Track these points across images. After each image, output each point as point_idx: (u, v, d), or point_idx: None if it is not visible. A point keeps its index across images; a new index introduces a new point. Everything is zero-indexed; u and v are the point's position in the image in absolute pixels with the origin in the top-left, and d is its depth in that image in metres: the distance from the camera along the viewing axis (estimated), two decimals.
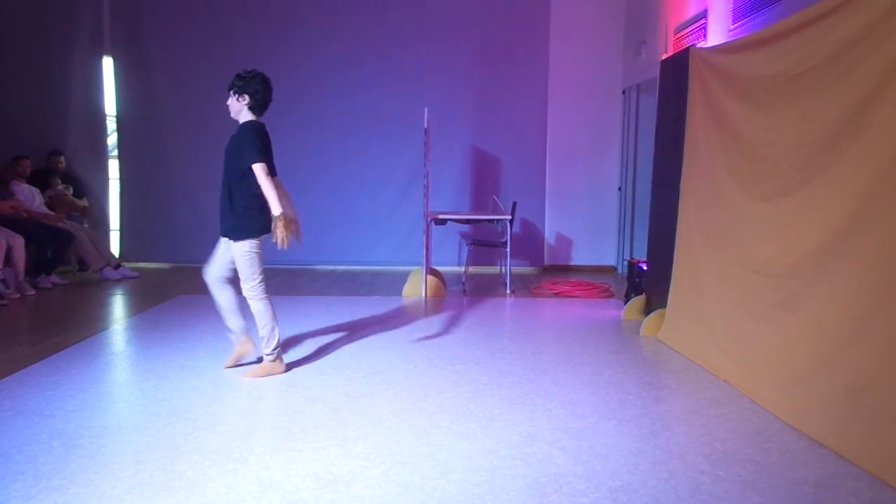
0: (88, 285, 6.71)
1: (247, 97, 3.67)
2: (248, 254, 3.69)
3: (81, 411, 3.19)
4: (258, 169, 3.56)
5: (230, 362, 3.91)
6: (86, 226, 7.34)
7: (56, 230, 6.60)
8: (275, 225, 3.59)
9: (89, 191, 7.86)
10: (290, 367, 3.95)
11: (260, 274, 3.74)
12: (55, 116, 7.78)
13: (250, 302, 3.76)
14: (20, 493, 2.37)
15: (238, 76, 3.70)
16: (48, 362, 3.98)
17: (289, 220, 3.66)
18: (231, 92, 3.70)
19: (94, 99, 7.91)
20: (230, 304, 3.84)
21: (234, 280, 3.84)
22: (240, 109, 3.71)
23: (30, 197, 6.83)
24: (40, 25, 7.72)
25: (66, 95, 7.81)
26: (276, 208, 3.57)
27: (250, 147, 3.59)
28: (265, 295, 3.77)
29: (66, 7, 7.74)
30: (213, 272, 3.83)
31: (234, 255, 3.71)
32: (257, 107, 3.70)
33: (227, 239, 3.76)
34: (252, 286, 3.73)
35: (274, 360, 3.82)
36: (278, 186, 3.97)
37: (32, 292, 6.11)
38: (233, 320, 3.87)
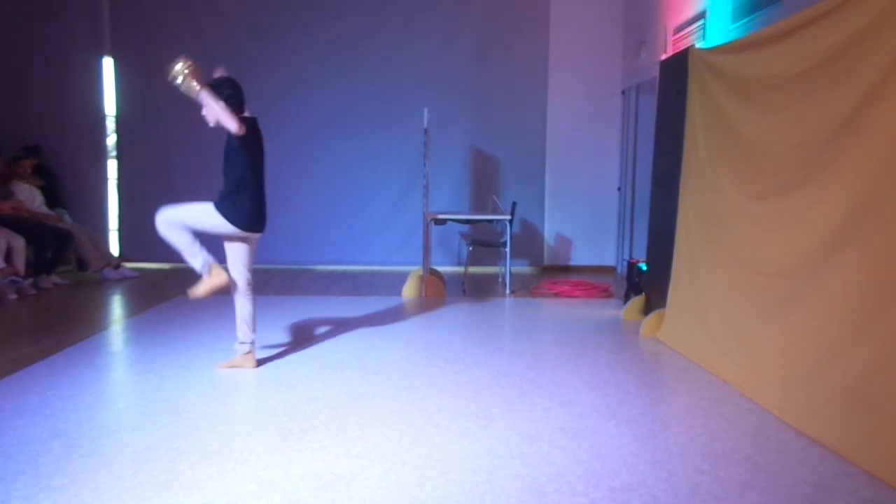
0: (88, 285, 6.71)
1: (222, 103, 3.67)
2: (205, 210, 3.67)
3: (81, 411, 3.19)
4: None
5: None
6: (68, 218, 7.28)
7: (56, 230, 6.60)
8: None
9: (74, 189, 7.82)
10: (290, 366, 3.96)
11: (187, 225, 3.66)
12: (55, 116, 7.78)
13: (165, 232, 3.68)
14: (21, 493, 2.37)
15: (207, 85, 3.70)
16: (48, 362, 3.98)
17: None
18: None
19: (94, 99, 7.92)
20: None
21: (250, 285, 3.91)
22: (216, 117, 3.72)
23: (30, 197, 6.83)
24: (40, 25, 7.73)
25: (66, 95, 7.81)
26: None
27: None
28: (177, 228, 3.66)
29: (66, 7, 7.75)
30: (173, 216, 3.77)
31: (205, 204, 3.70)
32: (235, 108, 3.68)
33: (227, 243, 3.83)
34: (170, 217, 3.66)
35: (209, 274, 3.73)
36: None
37: (32, 292, 6.12)
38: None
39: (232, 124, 3.53)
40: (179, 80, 3.51)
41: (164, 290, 6.34)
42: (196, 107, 3.75)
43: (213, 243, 3.86)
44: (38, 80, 7.77)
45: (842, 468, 2.63)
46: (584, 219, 8.15)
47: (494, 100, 7.95)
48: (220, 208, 3.71)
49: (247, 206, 3.74)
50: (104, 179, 8.05)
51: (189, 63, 3.53)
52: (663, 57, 5.81)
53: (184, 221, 3.69)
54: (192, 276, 3.79)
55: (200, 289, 3.76)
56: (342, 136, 7.95)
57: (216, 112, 3.54)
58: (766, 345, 3.46)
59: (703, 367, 4.00)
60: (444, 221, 6.88)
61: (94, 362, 4.04)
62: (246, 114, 3.74)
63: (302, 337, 4.68)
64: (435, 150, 7.07)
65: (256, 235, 3.89)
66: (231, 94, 3.68)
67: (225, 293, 3.88)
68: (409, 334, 4.84)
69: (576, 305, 6.01)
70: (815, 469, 2.62)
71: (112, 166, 8.07)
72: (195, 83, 3.54)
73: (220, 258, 3.86)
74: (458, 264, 7.95)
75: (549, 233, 8.21)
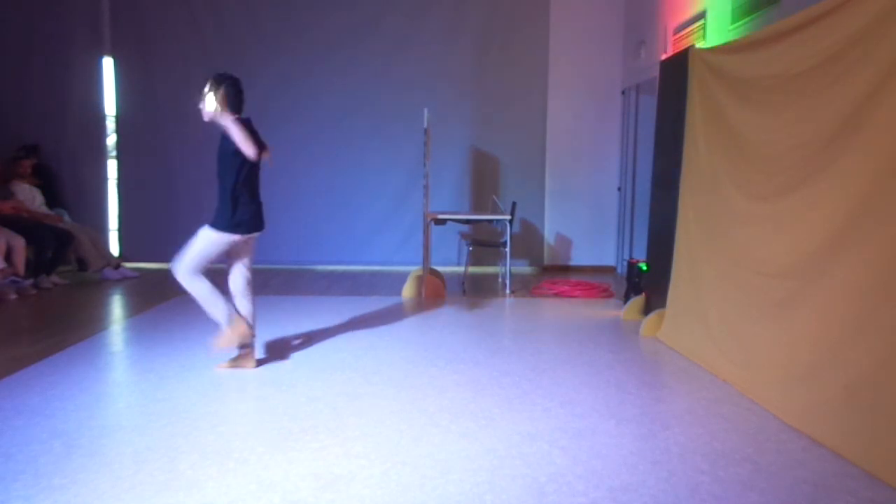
0: (88, 285, 6.71)
1: (244, 132, 3.67)
2: (209, 239, 3.68)
3: (82, 411, 3.19)
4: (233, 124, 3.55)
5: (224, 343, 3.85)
6: (68, 218, 7.27)
7: (56, 230, 6.60)
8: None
9: (74, 189, 7.82)
10: (290, 366, 3.96)
11: (201, 264, 3.68)
12: (55, 116, 7.79)
13: (184, 285, 3.69)
14: (21, 493, 2.37)
15: (208, 80, 3.69)
16: (48, 362, 3.98)
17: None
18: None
19: (94, 99, 7.92)
20: (207, 288, 3.74)
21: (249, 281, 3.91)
22: (213, 116, 3.72)
23: (30, 197, 6.83)
24: (40, 25, 7.73)
25: (66, 95, 7.82)
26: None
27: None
28: (197, 274, 3.68)
29: (66, 7, 7.75)
30: (232, 282, 3.87)
31: (198, 235, 3.71)
32: (231, 108, 3.70)
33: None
34: (186, 265, 3.66)
35: (231, 325, 3.76)
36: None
37: (33, 292, 6.12)
38: (217, 304, 3.78)
39: (250, 150, 3.55)
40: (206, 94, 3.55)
41: (164, 290, 6.34)
42: (195, 109, 3.76)
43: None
44: (38, 80, 7.77)
45: (842, 468, 2.63)
46: (584, 219, 8.15)
47: (494, 100, 7.95)
48: (218, 226, 3.70)
49: (244, 210, 3.72)
50: (104, 179, 8.05)
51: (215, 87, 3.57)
52: (663, 57, 5.81)
53: (198, 260, 3.68)
54: None
55: (223, 340, 3.78)
56: (342, 135, 7.96)
57: (235, 138, 3.54)
58: (766, 345, 3.46)
59: (703, 367, 4.00)
60: (444, 221, 6.88)
61: (94, 362, 4.04)
62: (233, 117, 3.73)
63: (302, 337, 4.68)
64: (435, 150, 7.07)
65: (256, 234, 3.89)
66: (230, 92, 3.68)
67: (245, 346, 3.88)
68: (409, 334, 4.84)
69: (576, 305, 6.01)
70: (815, 469, 2.63)
71: (112, 166, 8.08)
72: (214, 104, 3.57)
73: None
74: (458, 264, 7.95)
75: (549, 233, 8.21)
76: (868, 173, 2.76)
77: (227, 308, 3.79)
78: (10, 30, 7.71)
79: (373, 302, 6.02)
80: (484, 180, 8.08)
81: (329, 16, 7.86)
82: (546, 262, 8.22)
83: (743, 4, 4.79)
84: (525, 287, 6.89)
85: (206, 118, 3.75)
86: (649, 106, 6.94)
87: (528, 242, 8.16)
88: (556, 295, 6.48)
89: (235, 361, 3.90)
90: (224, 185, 3.72)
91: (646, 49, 7.10)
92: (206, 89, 3.70)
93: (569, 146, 8.05)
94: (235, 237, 3.74)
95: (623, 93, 7.87)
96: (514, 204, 7.11)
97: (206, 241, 3.70)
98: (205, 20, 7.87)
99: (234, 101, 3.70)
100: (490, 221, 7.17)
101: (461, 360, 4.14)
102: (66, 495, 2.36)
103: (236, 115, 3.71)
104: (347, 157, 7.98)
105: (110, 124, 8.04)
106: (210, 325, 4.91)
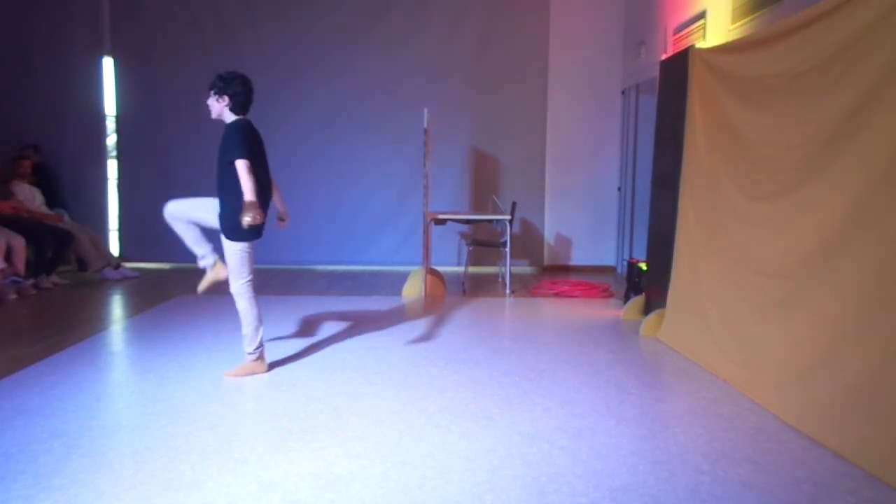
0: (88, 285, 6.71)
1: (227, 98, 3.67)
2: (238, 253, 3.69)
3: (82, 411, 3.19)
4: (240, 165, 3.55)
5: (203, 285, 3.92)
6: (68, 218, 7.27)
7: (56, 230, 6.60)
8: (245, 209, 3.54)
9: (74, 189, 7.82)
10: (290, 366, 3.96)
11: (249, 274, 3.74)
12: (55, 116, 7.79)
13: (236, 299, 3.76)
14: (21, 493, 2.37)
15: (219, 76, 3.70)
16: (49, 362, 3.98)
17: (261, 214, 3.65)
18: (211, 92, 3.71)
19: (94, 99, 7.92)
20: (193, 236, 3.85)
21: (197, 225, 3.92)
22: (220, 110, 3.73)
23: (30, 197, 6.83)
24: (40, 25, 7.73)
25: (66, 95, 7.82)
26: (249, 197, 3.55)
27: (235, 144, 3.60)
28: (252, 294, 3.77)
29: (66, 7, 7.75)
30: (180, 212, 3.84)
31: (224, 251, 3.72)
32: (238, 107, 3.70)
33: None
34: (240, 284, 3.74)
35: (256, 360, 3.81)
36: (272, 186, 3.95)
37: (33, 292, 6.12)
38: (198, 248, 3.87)
39: (250, 196, 3.57)
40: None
41: (164, 290, 6.34)
42: (195, 109, 3.76)
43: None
44: (38, 80, 7.76)
45: (842, 468, 2.63)
46: (584, 219, 8.14)
47: (494, 100, 7.94)
48: (235, 237, 3.67)
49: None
50: (104, 179, 8.05)
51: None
52: (663, 57, 5.81)
53: (244, 275, 3.75)
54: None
55: (241, 371, 3.81)
56: (342, 135, 7.95)
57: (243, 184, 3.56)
58: (766, 345, 3.46)
59: (703, 367, 4.00)
60: (444, 221, 6.88)
61: (95, 362, 4.04)
62: (237, 117, 3.72)
63: (302, 337, 4.68)
64: (435, 150, 7.07)
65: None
66: (239, 91, 3.68)
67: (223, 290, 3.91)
68: (408, 334, 4.84)
69: (576, 305, 6.01)
70: (815, 469, 2.63)
71: (112, 166, 8.07)
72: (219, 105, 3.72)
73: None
74: (458, 264, 7.95)
75: (549, 233, 8.21)
76: (868, 173, 2.76)
77: (262, 340, 3.83)
78: (10, 30, 7.71)
79: (373, 302, 6.02)
80: (484, 180, 8.07)
81: (329, 16, 7.86)
82: (546, 262, 8.22)
83: (743, 4, 4.79)
84: (525, 287, 6.89)
85: (213, 115, 3.76)
86: (649, 106, 6.93)
87: (528, 242, 8.16)
88: (556, 295, 6.48)
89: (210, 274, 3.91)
90: (226, 192, 3.67)
91: (646, 49, 7.10)
92: (213, 92, 3.69)
93: (569, 146, 8.05)
94: (251, 242, 3.74)
95: (623, 93, 7.86)
96: (514, 204, 7.11)
97: (235, 255, 3.70)
98: (205, 20, 7.86)
99: (242, 102, 3.70)
100: (490, 221, 7.17)
101: (461, 360, 4.14)
102: (66, 495, 2.36)
103: (240, 116, 3.71)
104: (347, 157, 7.98)
105: (110, 124, 8.04)
106: (210, 324, 4.93)
